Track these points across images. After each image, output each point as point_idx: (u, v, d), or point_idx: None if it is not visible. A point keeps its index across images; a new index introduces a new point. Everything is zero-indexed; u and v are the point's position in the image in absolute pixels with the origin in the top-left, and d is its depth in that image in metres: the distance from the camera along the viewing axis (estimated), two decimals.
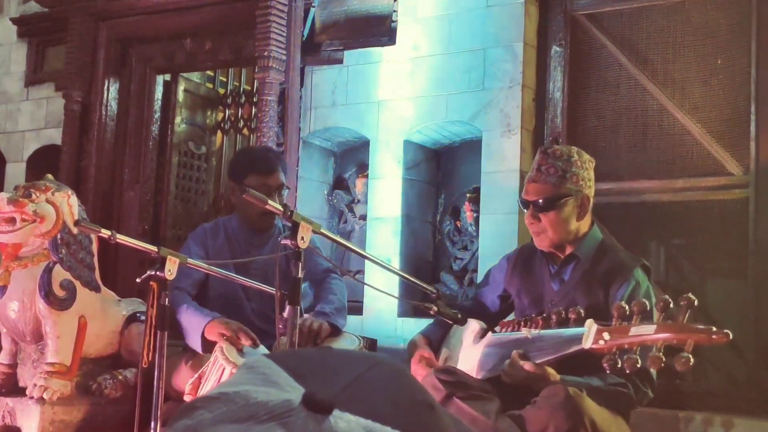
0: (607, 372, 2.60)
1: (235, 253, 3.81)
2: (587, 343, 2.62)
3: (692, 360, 2.34)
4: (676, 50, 4.46)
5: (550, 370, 2.76)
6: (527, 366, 2.74)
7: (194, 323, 3.48)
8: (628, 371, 2.52)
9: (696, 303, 2.45)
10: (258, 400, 0.54)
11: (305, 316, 3.59)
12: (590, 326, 2.64)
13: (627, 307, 2.59)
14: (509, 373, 2.80)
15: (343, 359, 0.60)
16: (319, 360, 0.60)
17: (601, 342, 2.58)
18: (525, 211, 3.09)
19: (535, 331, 2.88)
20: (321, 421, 0.52)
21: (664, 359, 2.42)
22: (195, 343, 3.47)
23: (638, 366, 2.48)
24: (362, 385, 0.56)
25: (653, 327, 2.47)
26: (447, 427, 0.58)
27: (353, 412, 0.53)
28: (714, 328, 2.36)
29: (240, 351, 3.28)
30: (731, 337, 2.33)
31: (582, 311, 2.77)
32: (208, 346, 3.41)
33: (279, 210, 2.67)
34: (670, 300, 2.50)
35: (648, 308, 2.56)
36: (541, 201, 3.02)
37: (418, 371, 3.21)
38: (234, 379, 0.58)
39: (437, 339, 3.38)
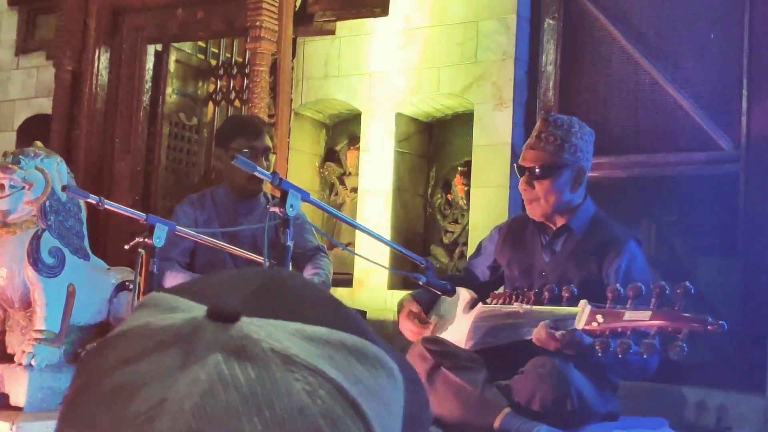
0: (600, 354, 2.56)
1: (223, 222, 3.80)
2: (580, 324, 2.59)
3: (686, 349, 2.33)
4: (669, 24, 4.44)
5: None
6: (558, 335, 2.63)
7: (179, 281, 3.50)
8: (620, 356, 2.50)
9: (693, 291, 2.42)
10: (162, 325, 0.52)
11: None
12: (584, 307, 2.61)
13: (622, 290, 2.56)
14: (540, 339, 2.68)
15: (243, 274, 0.58)
16: (217, 279, 0.57)
17: (594, 324, 2.55)
18: (520, 177, 3.07)
19: (527, 306, 2.86)
20: (230, 329, 0.50)
21: (657, 347, 2.41)
22: None
23: (631, 351, 2.47)
24: (269, 289, 0.54)
25: (648, 313, 2.44)
26: (365, 324, 0.56)
27: (264, 316, 0.52)
28: (709, 318, 2.34)
29: None
30: (726, 327, 2.32)
31: (575, 290, 2.73)
32: None
33: (267, 177, 2.65)
34: (666, 286, 2.47)
35: (643, 292, 2.52)
36: (537, 169, 3.00)
37: (406, 325, 3.19)
38: (132, 317, 0.56)
39: (426, 301, 3.34)
